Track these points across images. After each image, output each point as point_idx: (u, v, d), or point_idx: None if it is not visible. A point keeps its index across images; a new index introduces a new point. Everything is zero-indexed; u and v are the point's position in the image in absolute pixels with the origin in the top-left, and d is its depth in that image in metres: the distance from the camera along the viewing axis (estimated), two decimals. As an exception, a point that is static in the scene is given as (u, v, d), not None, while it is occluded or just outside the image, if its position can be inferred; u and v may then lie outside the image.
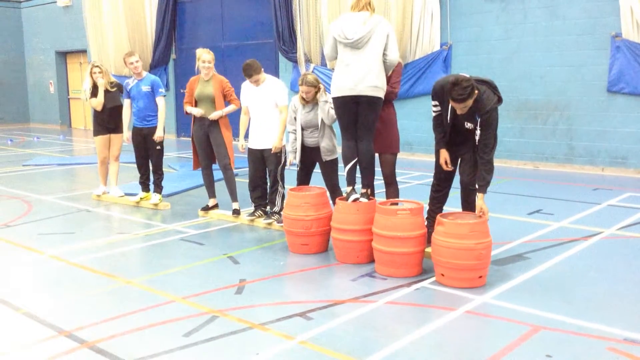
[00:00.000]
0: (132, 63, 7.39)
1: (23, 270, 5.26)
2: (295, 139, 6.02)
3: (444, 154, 5.04)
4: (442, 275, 4.64)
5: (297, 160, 6.04)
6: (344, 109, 5.31)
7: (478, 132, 4.74)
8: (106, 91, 7.84)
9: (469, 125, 4.82)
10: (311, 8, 12.91)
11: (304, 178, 6.15)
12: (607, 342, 3.63)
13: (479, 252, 4.51)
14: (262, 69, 6.29)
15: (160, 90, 7.51)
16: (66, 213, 7.44)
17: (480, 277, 4.61)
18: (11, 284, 4.92)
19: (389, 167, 5.73)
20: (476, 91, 4.59)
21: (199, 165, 7.03)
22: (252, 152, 6.45)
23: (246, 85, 6.44)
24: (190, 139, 6.97)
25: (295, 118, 5.99)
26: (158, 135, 7.41)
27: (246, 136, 6.58)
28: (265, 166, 6.45)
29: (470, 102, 4.59)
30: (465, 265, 4.51)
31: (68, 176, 10.54)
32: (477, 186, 4.80)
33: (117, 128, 7.97)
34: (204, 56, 6.66)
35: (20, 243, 6.04)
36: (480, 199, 4.74)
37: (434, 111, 5.04)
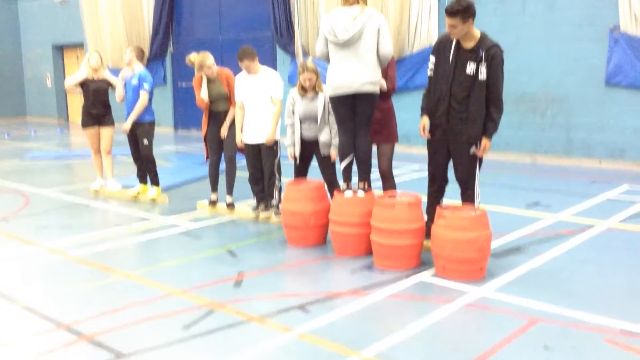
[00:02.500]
0: (126, 53, 7.49)
1: (21, 263, 5.25)
2: (294, 133, 5.98)
3: (424, 120, 5.05)
4: (444, 267, 4.65)
5: (296, 154, 6.00)
6: (340, 106, 5.29)
7: (483, 70, 4.67)
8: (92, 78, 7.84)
9: (470, 68, 4.71)
10: (308, 2, 12.87)
11: (301, 171, 6.13)
12: (605, 334, 3.65)
13: (480, 244, 4.52)
14: (257, 58, 6.21)
15: (144, 84, 7.38)
16: (64, 206, 7.43)
17: (481, 269, 4.62)
18: (9, 277, 4.92)
19: (386, 159, 5.70)
20: (470, 21, 4.61)
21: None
22: (249, 147, 6.41)
23: (241, 79, 6.37)
24: (203, 133, 6.91)
25: (293, 111, 5.96)
26: (124, 126, 7.37)
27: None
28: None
29: (457, 22, 4.59)
30: (467, 257, 4.53)
31: (65, 169, 10.53)
32: (485, 130, 4.78)
33: (104, 119, 7.96)
34: (208, 62, 6.52)
35: (18, 236, 6.04)
36: (487, 141, 4.79)
37: (429, 69, 5.01)
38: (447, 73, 4.83)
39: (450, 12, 4.59)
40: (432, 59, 4.97)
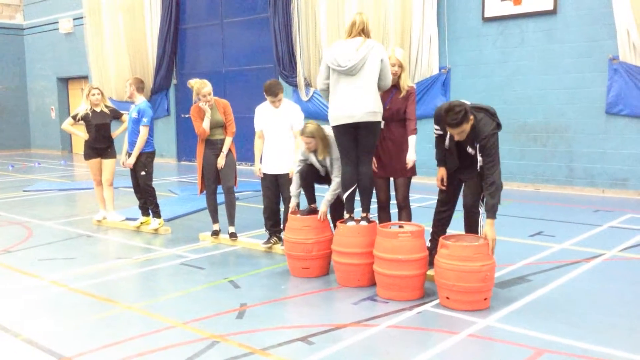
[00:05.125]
0: (126, 87, 7.58)
1: (23, 296, 5.23)
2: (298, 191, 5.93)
3: (441, 172, 5.14)
4: (447, 298, 4.61)
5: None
6: (343, 135, 5.29)
7: (479, 157, 4.78)
8: (94, 112, 7.95)
9: (471, 150, 4.86)
10: (310, 33, 13.05)
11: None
12: (612, 365, 3.61)
13: (484, 274, 4.49)
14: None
15: (143, 119, 7.42)
16: (66, 238, 7.42)
17: (485, 299, 4.59)
18: (11, 310, 4.89)
19: (403, 190, 5.58)
20: (471, 117, 4.66)
21: (204, 190, 7.00)
22: (266, 178, 6.36)
23: (261, 109, 6.39)
24: (197, 163, 6.94)
25: (305, 161, 5.81)
26: (128, 161, 7.44)
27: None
28: (279, 192, 6.37)
29: (465, 126, 4.65)
30: (470, 287, 4.49)
31: (69, 201, 10.55)
32: (485, 211, 4.80)
33: (106, 152, 8.03)
34: (204, 90, 6.57)
35: (20, 269, 6.02)
36: (488, 225, 4.68)
37: (435, 133, 5.10)
38: (450, 143, 4.97)
39: (456, 124, 4.63)
40: (437, 128, 5.05)
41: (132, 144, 7.52)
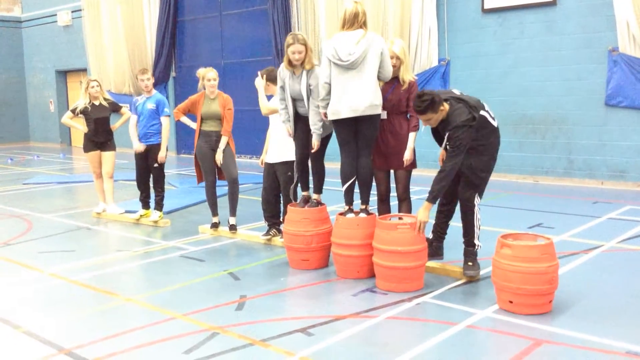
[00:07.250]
0: (142, 80, 7.48)
1: (23, 288, 5.25)
2: (285, 108, 5.73)
3: (442, 154, 5.13)
4: (510, 302, 4.34)
5: (291, 130, 5.77)
6: (342, 128, 5.28)
7: (448, 146, 4.78)
8: (93, 105, 7.94)
9: (445, 141, 4.86)
10: (310, 25, 13.01)
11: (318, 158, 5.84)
12: (610, 355, 3.62)
13: (550, 275, 4.26)
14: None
15: (165, 109, 7.50)
16: (66, 231, 7.43)
17: (550, 302, 4.36)
18: (11, 302, 4.91)
19: (404, 183, 5.56)
20: (442, 107, 4.67)
21: (202, 180, 7.02)
22: (266, 166, 6.42)
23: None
24: (193, 155, 6.95)
25: (283, 88, 5.68)
26: (160, 156, 7.42)
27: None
28: (278, 183, 6.36)
29: (430, 115, 4.68)
30: (537, 290, 4.24)
31: (68, 194, 10.55)
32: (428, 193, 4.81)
33: (106, 144, 8.03)
34: (209, 74, 6.69)
35: (20, 261, 6.03)
36: (424, 207, 4.77)
37: None
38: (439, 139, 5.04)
39: (420, 111, 4.70)
40: None
41: (145, 135, 7.48)
